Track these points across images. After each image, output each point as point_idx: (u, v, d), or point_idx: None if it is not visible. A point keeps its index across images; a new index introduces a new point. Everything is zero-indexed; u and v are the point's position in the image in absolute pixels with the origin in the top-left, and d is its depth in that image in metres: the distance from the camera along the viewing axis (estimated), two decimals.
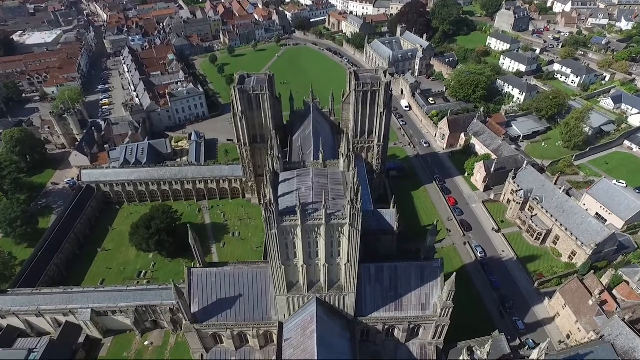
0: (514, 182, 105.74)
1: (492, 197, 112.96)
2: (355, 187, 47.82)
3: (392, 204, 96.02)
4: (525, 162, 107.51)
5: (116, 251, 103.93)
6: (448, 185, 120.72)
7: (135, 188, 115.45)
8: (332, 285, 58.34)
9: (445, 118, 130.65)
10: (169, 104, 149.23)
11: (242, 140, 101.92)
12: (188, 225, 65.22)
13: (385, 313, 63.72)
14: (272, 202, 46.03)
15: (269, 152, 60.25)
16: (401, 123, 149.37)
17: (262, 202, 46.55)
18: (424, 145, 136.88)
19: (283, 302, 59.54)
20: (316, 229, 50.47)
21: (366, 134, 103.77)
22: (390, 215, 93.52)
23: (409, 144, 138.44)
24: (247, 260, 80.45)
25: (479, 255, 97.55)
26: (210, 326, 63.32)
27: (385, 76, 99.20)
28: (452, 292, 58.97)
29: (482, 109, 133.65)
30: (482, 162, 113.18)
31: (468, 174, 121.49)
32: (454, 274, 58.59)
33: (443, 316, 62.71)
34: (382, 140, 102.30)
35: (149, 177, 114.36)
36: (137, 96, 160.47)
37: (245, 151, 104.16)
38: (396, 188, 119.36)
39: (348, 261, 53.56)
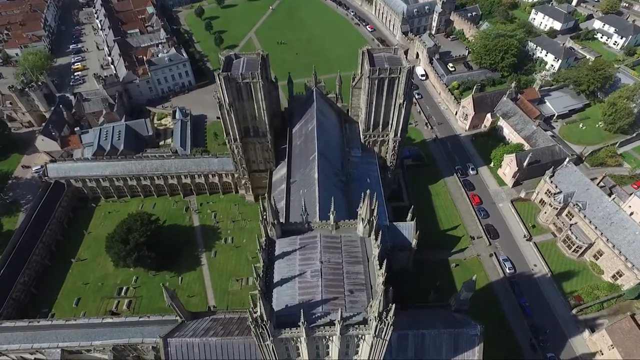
0: (552, 182, 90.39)
1: (522, 195, 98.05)
2: (382, 287, 33.17)
3: (410, 215, 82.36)
4: (567, 160, 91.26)
5: (93, 261, 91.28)
6: (471, 177, 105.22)
7: (112, 184, 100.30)
8: None
9: (470, 96, 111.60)
10: (149, 73, 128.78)
11: (231, 135, 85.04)
12: (162, 285, 51.16)
13: None
14: (265, 318, 31.80)
15: (264, 178, 44.56)
16: (417, 96, 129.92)
17: (251, 318, 32.26)
18: (471, 173, 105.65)
19: None
20: (327, 337, 36.89)
21: (380, 126, 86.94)
22: (408, 229, 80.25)
23: (426, 124, 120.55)
24: (241, 308, 67.51)
25: (508, 271, 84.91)
26: None
27: (407, 56, 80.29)
28: None
29: (513, 84, 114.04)
30: (513, 155, 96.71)
31: (494, 165, 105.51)
32: None
33: None
34: (399, 135, 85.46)
35: (125, 172, 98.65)
36: (112, 62, 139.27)
37: (236, 147, 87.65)
38: (412, 181, 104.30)
39: None
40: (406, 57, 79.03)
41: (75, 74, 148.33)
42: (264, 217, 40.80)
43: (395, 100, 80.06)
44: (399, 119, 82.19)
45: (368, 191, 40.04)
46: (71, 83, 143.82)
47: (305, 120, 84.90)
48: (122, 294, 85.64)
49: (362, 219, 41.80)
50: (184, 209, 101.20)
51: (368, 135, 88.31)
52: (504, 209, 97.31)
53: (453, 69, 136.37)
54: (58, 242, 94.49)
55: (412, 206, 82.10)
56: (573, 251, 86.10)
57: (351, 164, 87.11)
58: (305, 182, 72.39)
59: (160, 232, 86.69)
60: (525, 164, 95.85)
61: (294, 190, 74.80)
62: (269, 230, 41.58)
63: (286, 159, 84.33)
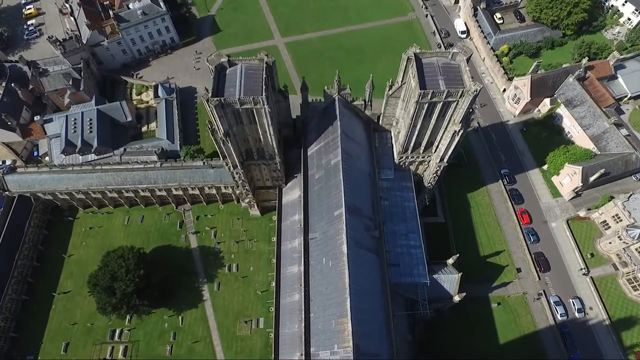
0: (625, 209, 73.88)
1: (581, 214, 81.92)
2: None
3: (452, 260, 68.23)
4: None
5: (78, 294, 79.02)
6: (519, 184, 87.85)
7: (89, 196, 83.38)
8: None
9: (528, 77, 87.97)
10: (119, 32, 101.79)
11: (230, 162, 65.94)
12: None
13: None
14: None
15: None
16: None
17: None
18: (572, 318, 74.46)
19: None
20: None
21: (422, 147, 67.42)
22: (451, 282, 66.84)
23: None
24: None
25: (559, 318, 73.21)
26: None
27: (467, 61, 57.60)
28: None
29: (584, 62, 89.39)
30: (580, 167, 78.10)
31: (550, 170, 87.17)
32: None
33: None
34: (445, 161, 66.46)
35: (102, 185, 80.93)
36: (72, 12, 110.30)
37: (236, 173, 69.00)
38: (448, 187, 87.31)
39: None
40: (464, 59, 56.42)
41: (29, 22, 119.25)
42: None
43: (449, 125, 59.72)
44: (449, 146, 62.58)
45: None
46: (25, 36, 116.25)
47: (326, 143, 64.96)
48: (116, 337, 75.28)
49: None
50: (178, 224, 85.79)
51: (404, 157, 69.22)
52: (558, 230, 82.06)
53: (501, 20, 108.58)
54: (34, 269, 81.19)
55: (457, 254, 67.21)
56: (639, 293, 73.53)
57: (382, 189, 69.85)
58: (329, 248, 56.36)
59: (151, 272, 72.47)
60: (592, 179, 78.05)
61: (315, 252, 58.99)
62: None
63: (301, 188, 66.88)
